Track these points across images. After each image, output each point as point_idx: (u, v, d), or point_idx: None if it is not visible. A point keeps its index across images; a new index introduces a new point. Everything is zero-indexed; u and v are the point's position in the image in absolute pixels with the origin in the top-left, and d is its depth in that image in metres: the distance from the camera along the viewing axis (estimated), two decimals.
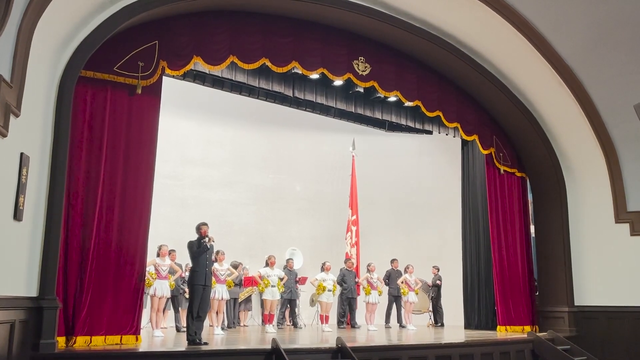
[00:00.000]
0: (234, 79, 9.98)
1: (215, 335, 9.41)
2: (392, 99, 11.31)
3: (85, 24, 7.06)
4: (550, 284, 11.45)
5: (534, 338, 9.66)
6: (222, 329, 10.45)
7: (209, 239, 7.95)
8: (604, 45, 9.66)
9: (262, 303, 11.34)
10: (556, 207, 11.58)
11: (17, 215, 5.64)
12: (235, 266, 11.46)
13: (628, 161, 10.80)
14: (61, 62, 6.80)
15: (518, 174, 12.06)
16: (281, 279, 11.19)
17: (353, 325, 12.49)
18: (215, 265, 9.99)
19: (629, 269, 10.63)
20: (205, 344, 7.36)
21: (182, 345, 7.58)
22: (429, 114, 10.99)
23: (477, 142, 11.50)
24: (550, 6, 9.29)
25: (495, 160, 11.62)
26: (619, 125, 10.59)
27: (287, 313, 12.53)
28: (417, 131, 14.25)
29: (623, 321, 10.52)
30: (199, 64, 8.68)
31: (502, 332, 10.91)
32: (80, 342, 6.82)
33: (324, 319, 11.61)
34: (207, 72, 9.90)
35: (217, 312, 10.14)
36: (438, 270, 13.85)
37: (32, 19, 5.71)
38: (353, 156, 14.71)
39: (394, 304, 13.02)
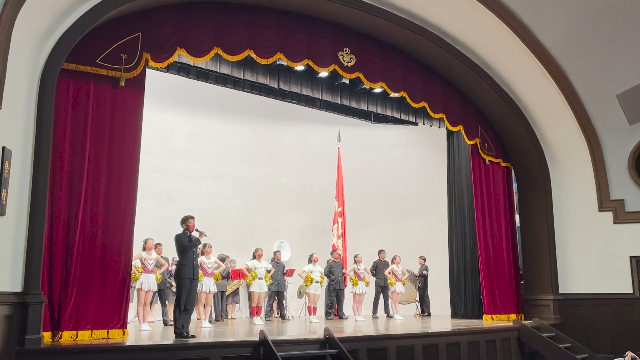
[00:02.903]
0: (218, 71, 9.91)
1: (202, 328, 9.40)
2: (378, 90, 11.31)
3: (67, 16, 6.97)
4: (535, 272, 11.58)
5: (520, 326, 9.76)
6: (210, 321, 10.43)
7: (201, 233, 7.93)
8: (587, 35, 9.73)
9: (250, 295, 11.35)
10: (541, 196, 11.69)
11: (0, 210, 5.57)
12: (223, 259, 11.42)
13: (611, 150, 10.94)
14: (42, 55, 6.71)
15: (503, 164, 12.15)
16: (268, 271, 11.18)
17: (341, 316, 12.53)
18: (203, 258, 9.98)
19: (612, 257, 10.79)
20: (193, 337, 7.34)
21: (169, 338, 7.56)
22: (414, 105, 11.03)
23: (463, 132, 11.55)
24: None
25: (480, 150, 11.69)
26: (603, 115, 10.71)
27: (274, 305, 12.55)
28: (403, 122, 14.29)
29: (607, 308, 10.70)
30: (183, 56, 8.60)
31: (488, 321, 11.02)
32: (67, 337, 6.77)
33: (312, 310, 11.64)
34: (192, 64, 9.83)
35: (204, 305, 10.13)
36: (424, 260, 13.94)
37: (12, 10, 5.64)
38: (338, 148, 14.72)
39: (381, 294, 13.07)
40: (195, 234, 7.93)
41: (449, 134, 13.00)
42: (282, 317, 12.30)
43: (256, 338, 6.92)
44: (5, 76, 5.55)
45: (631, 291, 10.59)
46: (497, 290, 11.37)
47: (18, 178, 6.11)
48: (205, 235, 8.05)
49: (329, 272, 12.34)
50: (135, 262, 8.93)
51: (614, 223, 10.87)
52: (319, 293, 11.83)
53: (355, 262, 12.45)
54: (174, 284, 9.40)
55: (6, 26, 5.55)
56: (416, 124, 13.50)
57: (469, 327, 9.38)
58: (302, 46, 9.54)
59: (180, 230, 7.93)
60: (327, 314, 12.55)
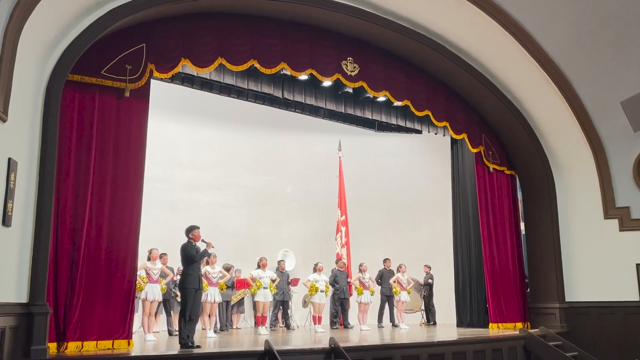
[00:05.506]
0: (222, 81, 9.95)
1: (207, 338, 9.38)
2: (381, 99, 11.34)
3: (72, 28, 7.02)
4: (541, 281, 11.52)
5: (526, 334, 9.71)
6: (215, 331, 10.42)
7: (208, 244, 7.95)
8: (591, 43, 9.73)
9: (255, 305, 11.32)
10: (546, 204, 11.65)
11: (6, 221, 5.60)
12: (227, 269, 11.43)
13: (616, 157, 10.90)
14: (48, 67, 6.76)
15: (507, 172, 12.13)
16: (273, 281, 11.18)
17: (346, 325, 12.50)
18: (207, 268, 9.97)
19: (618, 264, 10.72)
20: (198, 347, 7.33)
21: (174, 348, 7.54)
22: (418, 114, 11.03)
23: (466, 140, 11.55)
24: (537, 4, 9.35)
25: (484, 158, 11.68)
26: (607, 122, 10.69)
27: (279, 315, 12.52)
28: (407, 130, 14.31)
29: (613, 316, 10.61)
30: (187, 67, 8.64)
31: (494, 330, 10.96)
32: (72, 348, 6.77)
33: (317, 319, 11.60)
34: (196, 75, 9.86)
35: (209, 315, 10.11)
36: (430, 269, 13.89)
37: (17, 23, 5.68)
38: (340, 157, 14.72)
39: (387, 303, 13.04)
40: (201, 244, 7.93)
41: (453, 142, 13.00)
42: (287, 326, 12.27)
43: (261, 348, 6.91)
44: (11, 88, 5.58)
45: (637, 299, 10.50)
46: (503, 299, 11.32)
47: (24, 189, 6.13)
48: (213, 247, 8.05)
49: (333, 281, 12.32)
50: (140, 272, 8.94)
51: (620, 230, 10.81)
52: (324, 302, 11.80)
53: (361, 271, 12.43)
54: (178, 294, 9.40)
55: (12, 39, 5.59)
56: (420, 132, 13.52)
57: (474, 336, 9.33)
58: (305, 56, 9.58)
59: (184, 240, 7.93)
60: (332, 324, 12.52)
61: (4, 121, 5.48)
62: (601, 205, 11.03)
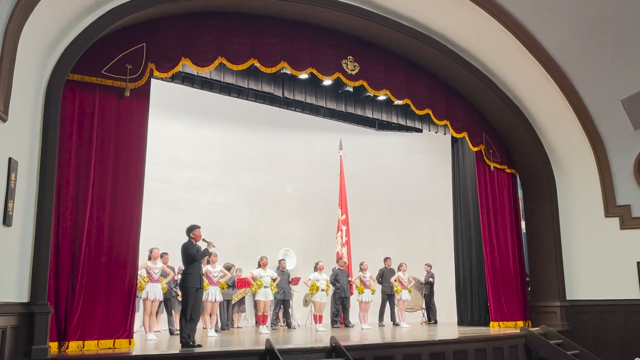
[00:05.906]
0: (222, 80, 9.94)
1: (208, 337, 9.38)
2: (382, 97, 11.34)
3: (72, 28, 7.02)
4: (542, 279, 11.53)
5: (527, 333, 9.71)
6: (216, 331, 10.42)
7: (209, 244, 7.95)
8: (591, 41, 9.73)
9: (256, 304, 11.32)
10: (546, 202, 11.65)
11: (7, 220, 5.60)
12: (228, 268, 11.43)
13: (617, 155, 10.90)
14: (48, 66, 6.76)
15: (508, 170, 12.13)
16: (274, 280, 11.19)
17: (347, 324, 12.49)
18: (208, 267, 9.98)
19: (619, 263, 10.72)
20: (199, 346, 7.34)
21: (175, 348, 7.55)
22: (418, 112, 11.03)
23: (467, 139, 11.55)
24: (537, 3, 9.34)
25: (485, 157, 11.67)
26: (607, 120, 10.68)
27: (280, 314, 12.53)
28: (408, 129, 14.30)
29: (614, 314, 10.61)
30: (187, 66, 8.64)
31: (495, 328, 10.96)
32: (73, 347, 6.77)
33: (318, 318, 11.61)
34: (196, 74, 9.86)
35: (210, 314, 10.11)
36: (431, 267, 13.89)
37: (17, 23, 5.68)
38: (341, 156, 14.72)
39: (387, 302, 13.03)
40: (202, 243, 7.93)
41: (454, 140, 13.00)
42: (288, 325, 12.28)
43: (262, 347, 6.90)
44: (12, 88, 5.58)
45: (639, 297, 10.51)
46: (504, 297, 11.32)
47: (24, 189, 6.13)
48: (213, 246, 8.06)
49: (334, 280, 12.32)
50: (141, 272, 8.94)
51: (621, 229, 10.81)
52: (324, 301, 11.81)
53: (361, 269, 12.42)
54: (179, 293, 9.40)
55: (12, 39, 5.59)
56: (420, 130, 13.52)
57: (475, 335, 9.33)
58: (305, 55, 9.57)
59: (185, 239, 7.93)
60: (333, 322, 12.51)
61: (5, 121, 5.49)
62: (602, 203, 11.03)
